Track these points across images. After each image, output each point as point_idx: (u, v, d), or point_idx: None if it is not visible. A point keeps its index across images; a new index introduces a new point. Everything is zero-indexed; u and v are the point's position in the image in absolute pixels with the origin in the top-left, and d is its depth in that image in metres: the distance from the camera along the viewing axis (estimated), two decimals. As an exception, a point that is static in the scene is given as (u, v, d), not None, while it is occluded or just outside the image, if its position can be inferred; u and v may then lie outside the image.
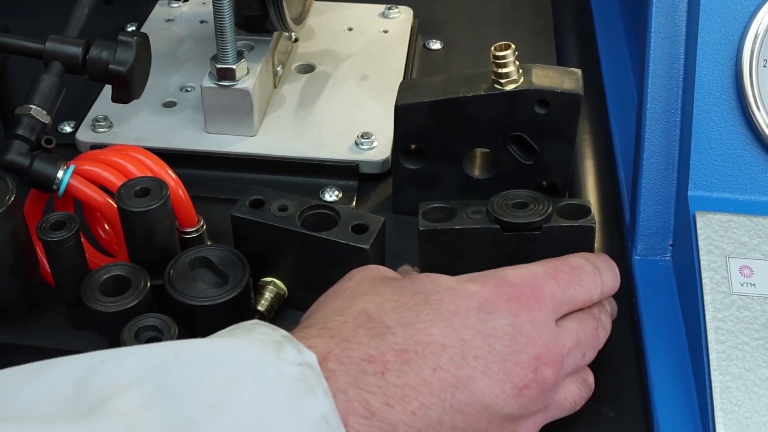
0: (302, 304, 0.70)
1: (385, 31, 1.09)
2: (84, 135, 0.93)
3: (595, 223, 0.71)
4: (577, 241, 0.71)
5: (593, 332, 0.67)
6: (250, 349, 0.54)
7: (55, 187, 0.74)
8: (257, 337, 0.55)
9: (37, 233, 0.71)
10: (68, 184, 0.74)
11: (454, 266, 0.72)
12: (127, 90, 0.78)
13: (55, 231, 0.71)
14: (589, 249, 0.72)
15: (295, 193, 0.77)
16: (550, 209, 0.71)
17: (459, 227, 0.71)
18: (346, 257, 0.71)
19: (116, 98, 0.80)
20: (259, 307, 0.75)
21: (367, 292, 0.62)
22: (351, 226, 0.73)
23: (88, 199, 0.75)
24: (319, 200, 0.81)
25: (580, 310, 0.67)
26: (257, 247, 0.75)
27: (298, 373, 0.53)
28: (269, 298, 0.76)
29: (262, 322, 0.58)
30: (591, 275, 0.67)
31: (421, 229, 0.72)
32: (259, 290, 0.76)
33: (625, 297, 0.77)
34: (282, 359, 0.53)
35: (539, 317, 0.62)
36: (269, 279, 0.76)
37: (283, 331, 0.56)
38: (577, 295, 0.66)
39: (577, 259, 0.67)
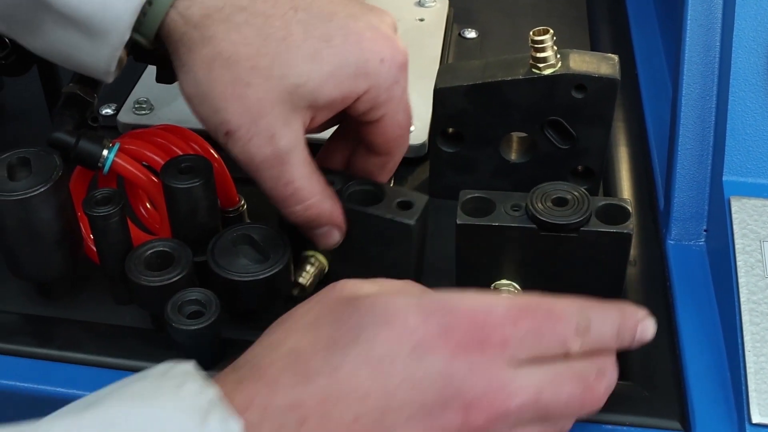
0: (342, 277, 0.67)
1: (421, 20, 1.10)
2: (125, 117, 0.95)
3: (632, 229, 0.71)
4: (613, 246, 0.72)
5: (570, 393, 0.60)
6: (174, 421, 0.52)
7: (100, 164, 0.76)
8: (183, 402, 0.53)
9: (84, 208, 0.72)
10: (113, 161, 0.76)
11: (489, 259, 0.74)
12: (171, 70, 0.79)
13: (101, 206, 0.72)
14: (625, 254, 0.73)
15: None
16: (589, 210, 0.71)
17: (496, 224, 0.72)
18: (389, 233, 0.72)
19: (160, 78, 0.81)
20: (300, 280, 0.75)
21: (310, 324, 0.59)
22: (396, 202, 0.72)
23: (133, 177, 0.76)
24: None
25: (560, 361, 0.60)
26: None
27: None
28: (311, 271, 0.76)
29: (195, 372, 0.56)
30: (569, 326, 0.60)
31: (458, 222, 0.72)
32: (300, 263, 0.76)
33: (660, 281, 0.79)
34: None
35: (482, 361, 0.57)
36: (311, 252, 0.76)
37: (213, 391, 0.54)
38: (544, 343, 0.59)
39: (562, 306, 0.61)
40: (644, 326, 0.63)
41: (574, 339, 0.60)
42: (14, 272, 0.76)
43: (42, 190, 0.70)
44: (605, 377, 0.61)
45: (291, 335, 0.59)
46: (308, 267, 0.76)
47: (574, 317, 0.60)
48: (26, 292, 0.79)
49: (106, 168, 0.76)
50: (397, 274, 0.67)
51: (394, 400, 0.56)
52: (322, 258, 0.76)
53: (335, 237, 0.73)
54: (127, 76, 0.99)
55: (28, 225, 0.71)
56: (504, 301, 0.60)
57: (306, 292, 0.74)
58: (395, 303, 0.58)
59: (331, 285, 0.63)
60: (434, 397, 0.56)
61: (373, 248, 0.72)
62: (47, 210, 0.71)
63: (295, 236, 0.74)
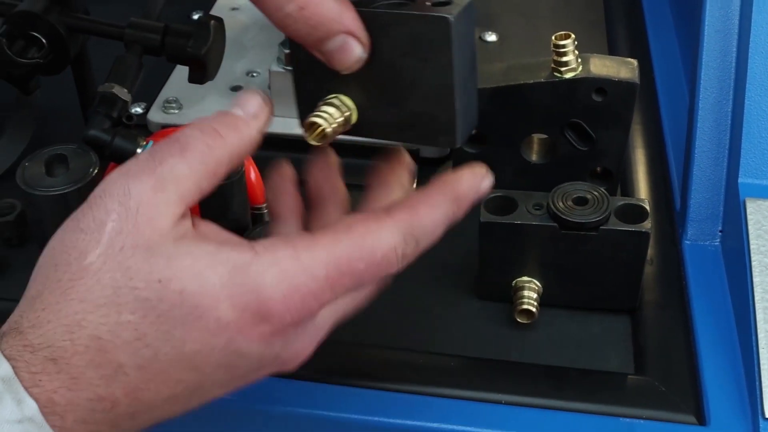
0: (373, 125, 0.62)
1: (443, 22, 1.11)
2: (155, 116, 0.97)
3: (650, 228, 0.73)
4: (632, 244, 0.74)
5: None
6: None
7: (136, 160, 0.78)
8: None
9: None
10: (149, 158, 0.78)
11: (511, 256, 0.76)
12: (202, 71, 0.82)
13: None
14: (643, 252, 0.74)
15: (353, 177, 0.69)
16: (608, 209, 0.73)
17: (518, 222, 0.74)
18: (424, 39, 0.58)
19: (192, 79, 0.84)
20: (318, 119, 0.60)
21: (108, 301, 0.52)
22: (432, 2, 0.58)
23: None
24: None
25: None
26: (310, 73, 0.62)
27: (19, 431, 0.49)
28: (333, 114, 0.61)
29: None
30: (392, 265, 0.57)
31: (482, 221, 0.75)
32: (319, 108, 0.61)
33: (676, 280, 0.80)
34: (1, 421, 0.49)
35: (296, 336, 0.57)
36: (333, 96, 0.62)
37: (4, 370, 0.50)
38: (365, 285, 0.59)
39: (384, 244, 0.56)
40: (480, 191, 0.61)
41: (397, 268, 0.58)
42: (51, 266, 0.78)
43: (79, 186, 0.72)
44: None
45: (87, 314, 0.52)
46: (329, 108, 0.61)
47: (398, 250, 0.57)
48: (62, 285, 0.81)
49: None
50: (439, 105, 0.59)
51: (209, 380, 0.55)
52: (348, 101, 0.62)
53: (354, 50, 0.58)
54: (157, 76, 1.01)
55: (64, 220, 0.73)
56: (322, 268, 0.54)
57: (326, 140, 0.60)
58: (204, 296, 0.52)
59: (121, 215, 0.53)
60: (250, 369, 0.56)
61: (406, 71, 0.59)
62: (84, 205, 0.73)
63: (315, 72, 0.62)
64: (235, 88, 1.00)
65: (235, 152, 0.57)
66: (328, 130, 0.59)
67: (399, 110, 0.60)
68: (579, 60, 0.80)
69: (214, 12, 1.13)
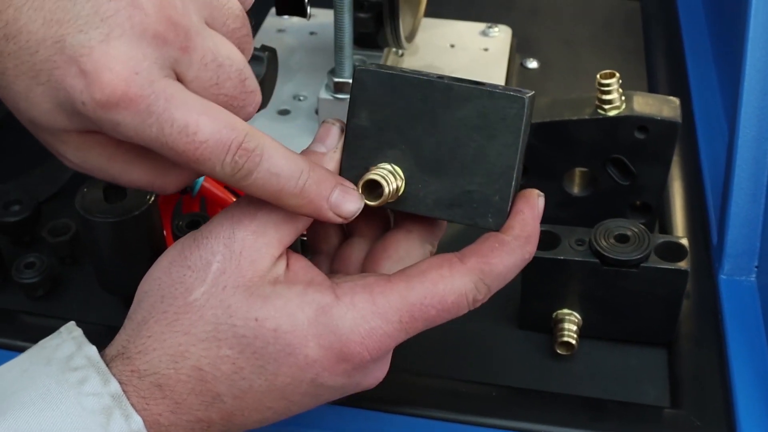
0: (420, 199, 0.62)
1: (486, 49, 1.13)
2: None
3: (689, 267, 0.75)
4: (670, 281, 0.76)
5: None
6: (78, 427, 0.54)
7: (188, 188, 0.80)
8: (86, 402, 0.55)
9: (174, 231, 0.77)
10: (201, 185, 0.80)
11: (553, 289, 0.78)
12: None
13: (191, 229, 0.77)
14: (681, 289, 0.76)
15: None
16: (649, 247, 0.75)
17: (561, 258, 0.76)
18: (494, 115, 0.59)
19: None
20: (376, 178, 0.61)
21: (209, 336, 0.58)
22: (500, 87, 0.60)
23: (220, 201, 0.81)
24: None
25: None
26: (379, 114, 0.61)
27: None
28: (390, 179, 0.61)
29: (97, 361, 0.57)
30: (462, 309, 0.61)
31: None
32: (374, 169, 0.62)
33: (711, 315, 0.82)
34: None
35: (374, 367, 0.62)
36: (385, 164, 0.62)
37: (114, 387, 0.56)
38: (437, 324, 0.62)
39: (455, 292, 0.60)
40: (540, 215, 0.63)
41: (467, 310, 0.61)
42: (104, 287, 0.80)
43: (136, 213, 0.74)
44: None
45: (190, 346, 0.58)
46: (384, 171, 0.61)
47: (469, 296, 0.60)
48: (115, 306, 0.83)
49: (195, 191, 0.81)
50: (496, 184, 0.60)
51: (295, 405, 0.60)
52: (399, 171, 0.62)
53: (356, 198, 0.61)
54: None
55: (121, 245, 0.76)
56: (396, 313, 0.59)
57: (380, 202, 0.61)
58: (295, 335, 0.57)
59: (225, 254, 0.58)
60: (333, 395, 0.61)
61: (468, 147, 0.60)
62: (140, 232, 0.75)
63: (366, 140, 0.62)
64: (283, 112, 1.03)
65: None
66: (386, 191, 0.60)
67: (451, 186, 0.61)
68: (623, 98, 0.82)
69: (260, 34, 1.15)
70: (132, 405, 0.56)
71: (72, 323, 0.61)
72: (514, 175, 0.60)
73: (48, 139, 0.58)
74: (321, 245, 0.69)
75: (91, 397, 0.55)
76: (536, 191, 0.63)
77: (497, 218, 0.61)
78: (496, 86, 0.59)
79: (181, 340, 0.58)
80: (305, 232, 0.66)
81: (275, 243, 0.59)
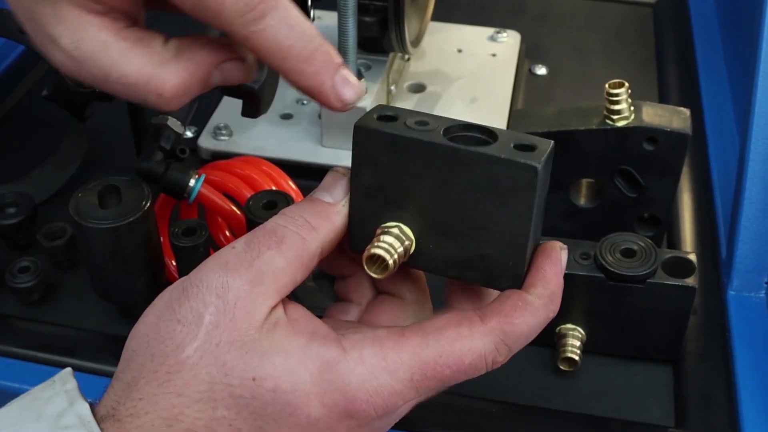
0: (432, 258, 0.58)
1: (494, 55, 1.12)
2: (205, 142, 0.98)
3: (697, 283, 0.73)
4: (677, 297, 0.74)
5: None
6: None
7: (185, 194, 0.79)
8: None
9: (170, 238, 0.76)
10: (198, 192, 0.79)
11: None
12: (256, 105, 0.83)
13: (187, 237, 0.75)
14: (688, 305, 0.74)
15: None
16: (655, 263, 0.73)
17: (566, 272, 0.74)
18: (505, 183, 0.54)
19: (245, 113, 0.84)
20: (379, 251, 0.57)
21: (203, 397, 0.53)
22: (513, 144, 0.55)
23: (217, 207, 0.80)
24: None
25: None
26: (383, 174, 0.57)
27: None
28: (394, 245, 0.57)
29: (89, 421, 0.53)
30: (480, 371, 0.57)
31: None
32: (377, 237, 0.58)
33: (719, 332, 0.80)
34: None
35: (380, 424, 0.57)
36: (393, 224, 0.58)
37: None
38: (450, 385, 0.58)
39: (471, 357, 0.55)
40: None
41: (485, 371, 0.57)
42: (100, 294, 0.79)
43: (131, 219, 0.73)
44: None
45: (185, 408, 0.53)
46: (389, 238, 0.57)
47: (489, 358, 0.56)
48: (110, 313, 0.82)
49: (192, 198, 0.79)
50: (509, 250, 0.56)
51: None
52: (408, 231, 0.58)
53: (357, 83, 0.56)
54: (208, 101, 1.02)
55: (116, 251, 0.74)
56: (407, 371, 0.55)
57: (387, 272, 0.57)
58: (296, 394, 0.53)
59: (218, 310, 0.54)
60: None
61: (478, 211, 0.56)
62: (135, 238, 0.74)
63: (371, 201, 0.59)
64: (286, 116, 1.01)
65: (326, 241, 0.57)
66: (390, 262, 0.56)
67: (463, 248, 0.57)
68: (632, 108, 0.80)
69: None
70: None
71: (68, 371, 0.56)
72: (528, 244, 0.56)
73: (45, 18, 0.54)
74: (352, 295, 0.64)
75: None
76: (558, 244, 0.59)
77: (513, 282, 0.57)
78: (509, 141, 0.55)
79: (174, 402, 0.53)
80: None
81: (272, 293, 0.54)
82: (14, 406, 0.54)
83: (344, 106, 0.55)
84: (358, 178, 0.58)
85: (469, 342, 0.55)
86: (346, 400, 0.54)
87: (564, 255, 0.59)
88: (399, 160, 0.56)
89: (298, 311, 0.57)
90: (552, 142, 0.55)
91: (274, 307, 0.55)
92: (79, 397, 0.54)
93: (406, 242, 0.57)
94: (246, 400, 0.53)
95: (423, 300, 0.63)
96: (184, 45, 0.57)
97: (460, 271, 0.58)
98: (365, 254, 0.57)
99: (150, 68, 0.55)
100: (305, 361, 0.54)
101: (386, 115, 0.57)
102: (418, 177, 0.56)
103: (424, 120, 0.56)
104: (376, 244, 0.57)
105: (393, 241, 0.57)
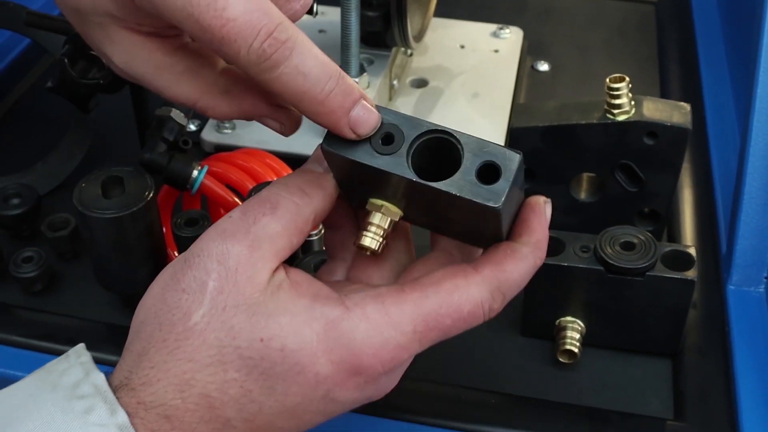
0: (416, 221, 0.63)
1: (496, 51, 1.13)
2: (209, 135, 0.99)
3: (696, 277, 0.74)
4: (676, 291, 0.74)
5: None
6: None
7: (188, 185, 0.79)
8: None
9: (173, 229, 0.76)
10: (201, 183, 0.79)
11: (556, 296, 0.77)
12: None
13: (189, 227, 0.76)
14: (687, 299, 0.75)
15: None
16: (655, 256, 0.74)
17: (565, 264, 0.75)
18: (471, 210, 0.56)
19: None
20: (366, 242, 0.60)
21: (213, 360, 0.55)
22: (477, 167, 0.55)
23: (219, 199, 0.80)
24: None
25: None
26: (356, 180, 0.60)
27: None
28: (379, 223, 0.60)
29: (104, 390, 0.54)
30: (478, 319, 0.59)
31: None
32: (363, 219, 0.61)
33: (718, 326, 0.81)
34: None
35: (386, 380, 0.60)
36: (379, 203, 0.60)
37: (121, 418, 0.53)
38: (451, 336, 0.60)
39: (471, 301, 0.58)
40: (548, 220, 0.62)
41: (483, 320, 0.59)
42: (103, 284, 0.79)
43: (134, 209, 0.73)
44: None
45: (196, 373, 0.55)
46: (376, 219, 0.60)
47: (485, 305, 0.58)
48: (113, 303, 0.83)
49: (194, 189, 0.80)
50: (486, 234, 0.60)
51: (307, 424, 0.58)
52: (392, 207, 0.60)
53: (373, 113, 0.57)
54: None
55: (118, 241, 0.75)
56: (410, 323, 0.57)
57: (380, 250, 0.61)
58: (303, 353, 0.55)
59: (223, 273, 0.56)
60: (345, 409, 0.59)
61: (454, 214, 0.59)
62: (138, 228, 0.74)
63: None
64: (289, 110, 1.01)
65: (319, 208, 0.59)
66: (377, 247, 0.60)
67: (444, 223, 0.62)
68: (632, 102, 0.80)
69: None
70: None
71: (81, 346, 0.58)
72: (504, 233, 0.59)
73: (97, 37, 0.58)
74: (337, 252, 0.66)
75: (96, 428, 0.53)
76: (542, 198, 0.62)
77: (495, 240, 0.60)
78: (473, 162, 0.55)
79: (185, 368, 0.55)
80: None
81: (271, 257, 0.56)
82: (30, 379, 0.56)
83: (359, 137, 0.56)
84: (336, 176, 0.60)
85: (466, 291, 0.58)
86: (352, 356, 0.56)
87: (548, 208, 0.62)
88: (366, 175, 0.57)
89: (300, 275, 0.58)
90: (519, 156, 0.55)
91: (275, 271, 0.57)
92: (94, 368, 0.56)
93: (394, 216, 0.60)
94: (255, 362, 0.55)
95: (406, 247, 0.65)
96: (235, 87, 0.60)
97: (444, 231, 0.63)
98: (356, 243, 0.60)
99: (198, 95, 0.59)
100: (310, 321, 0.55)
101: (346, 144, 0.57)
102: (388, 186, 0.58)
103: (390, 134, 0.56)
104: (364, 233, 0.60)
105: (380, 221, 0.60)
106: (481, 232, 0.60)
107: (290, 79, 0.53)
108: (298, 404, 0.56)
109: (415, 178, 0.55)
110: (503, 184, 0.55)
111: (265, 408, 0.56)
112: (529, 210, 0.61)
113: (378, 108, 0.57)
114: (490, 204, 0.54)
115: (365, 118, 0.56)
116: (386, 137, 0.56)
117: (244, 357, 0.55)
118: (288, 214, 0.57)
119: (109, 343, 0.78)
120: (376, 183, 0.58)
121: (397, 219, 0.60)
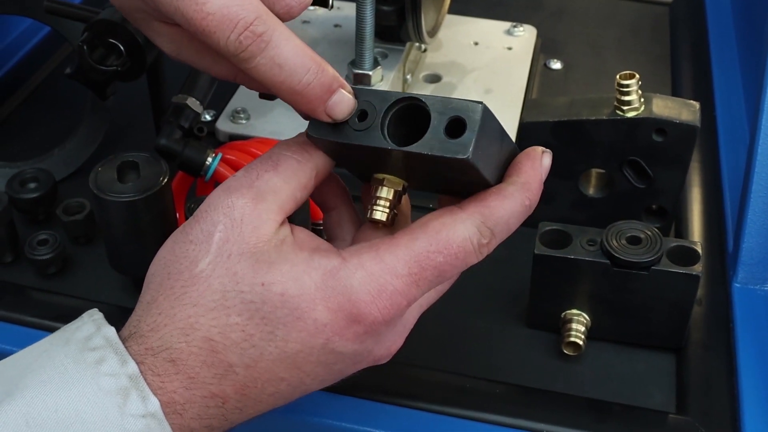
0: (419, 186, 0.65)
1: (509, 48, 1.13)
2: (224, 125, 1.00)
3: (701, 271, 0.74)
4: (682, 286, 0.75)
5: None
6: (94, 407, 0.54)
7: (202, 172, 0.81)
8: (103, 383, 0.55)
9: (186, 214, 0.77)
10: (215, 170, 0.81)
11: (562, 288, 0.77)
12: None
13: (202, 213, 0.77)
14: (692, 294, 0.75)
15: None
16: (661, 250, 0.75)
17: (572, 257, 0.76)
18: (447, 166, 0.59)
19: (264, 95, 0.86)
20: (376, 215, 0.63)
21: (217, 305, 0.58)
22: (445, 124, 0.58)
23: (232, 186, 0.81)
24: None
25: None
26: (346, 158, 0.64)
27: (142, 426, 0.55)
28: (390, 198, 0.63)
29: (115, 342, 0.57)
30: (471, 256, 0.60)
31: (536, 253, 0.76)
32: (369, 192, 0.65)
33: (723, 322, 0.81)
34: (126, 414, 0.55)
35: (387, 332, 0.62)
36: (381, 176, 0.63)
37: (131, 368, 0.56)
38: (447, 278, 0.61)
39: (461, 235, 0.59)
40: (544, 169, 0.64)
41: (476, 258, 0.61)
42: (116, 267, 0.81)
43: (149, 194, 0.74)
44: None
45: (200, 317, 0.58)
46: (383, 192, 0.63)
47: (474, 240, 0.60)
48: (125, 287, 0.84)
49: (208, 175, 0.81)
50: (474, 183, 0.61)
51: (308, 377, 0.60)
52: (395, 179, 0.63)
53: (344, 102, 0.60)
54: (226, 84, 1.03)
55: (132, 225, 0.76)
56: (404, 266, 0.59)
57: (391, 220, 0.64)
58: (302, 298, 0.57)
59: (227, 223, 0.59)
60: (346, 365, 0.61)
61: (441, 174, 0.61)
62: (152, 212, 0.76)
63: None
64: (303, 102, 1.02)
65: (320, 165, 0.63)
66: (387, 219, 0.63)
67: (447, 187, 0.65)
68: (642, 99, 0.81)
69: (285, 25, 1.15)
70: (148, 384, 0.56)
71: (95, 309, 0.61)
72: (488, 179, 0.61)
73: (146, 31, 0.63)
74: (337, 232, 0.69)
75: (108, 378, 0.55)
76: (540, 148, 0.64)
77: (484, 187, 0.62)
78: (441, 120, 0.58)
79: (190, 312, 0.58)
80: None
81: (275, 209, 0.59)
82: (44, 339, 0.59)
83: (335, 121, 0.60)
84: (333, 159, 0.64)
85: (452, 228, 0.59)
86: (350, 303, 0.58)
87: (546, 158, 0.64)
88: (356, 153, 0.61)
89: (304, 233, 0.61)
90: (481, 105, 0.58)
91: (281, 225, 0.60)
92: (105, 323, 0.59)
93: (398, 187, 0.63)
94: (256, 305, 0.57)
95: (405, 221, 0.68)
96: None
97: (447, 191, 0.66)
98: (369, 217, 0.63)
99: (236, 72, 0.63)
100: (309, 271, 0.58)
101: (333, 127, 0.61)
102: (380, 160, 0.61)
103: (364, 110, 0.60)
104: (374, 207, 0.63)
105: (386, 193, 0.63)
106: (474, 187, 0.62)
107: (267, 70, 0.57)
108: (299, 352, 0.58)
109: (390, 146, 0.59)
110: (469, 135, 0.57)
111: (266, 354, 0.58)
112: (524, 155, 0.63)
113: (355, 90, 0.61)
114: (459, 156, 0.57)
115: (341, 105, 0.59)
116: (361, 114, 0.60)
117: (246, 301, 0.57)
118: (289, 170, 0.61)
119: (121, 325, 0.78)
120: (369, 159, 0.62)
121: (400, 188, 0.63)
